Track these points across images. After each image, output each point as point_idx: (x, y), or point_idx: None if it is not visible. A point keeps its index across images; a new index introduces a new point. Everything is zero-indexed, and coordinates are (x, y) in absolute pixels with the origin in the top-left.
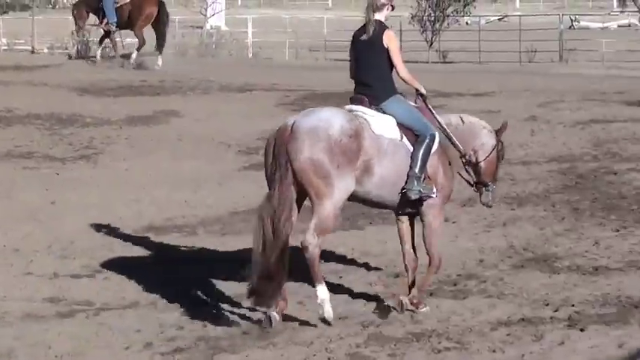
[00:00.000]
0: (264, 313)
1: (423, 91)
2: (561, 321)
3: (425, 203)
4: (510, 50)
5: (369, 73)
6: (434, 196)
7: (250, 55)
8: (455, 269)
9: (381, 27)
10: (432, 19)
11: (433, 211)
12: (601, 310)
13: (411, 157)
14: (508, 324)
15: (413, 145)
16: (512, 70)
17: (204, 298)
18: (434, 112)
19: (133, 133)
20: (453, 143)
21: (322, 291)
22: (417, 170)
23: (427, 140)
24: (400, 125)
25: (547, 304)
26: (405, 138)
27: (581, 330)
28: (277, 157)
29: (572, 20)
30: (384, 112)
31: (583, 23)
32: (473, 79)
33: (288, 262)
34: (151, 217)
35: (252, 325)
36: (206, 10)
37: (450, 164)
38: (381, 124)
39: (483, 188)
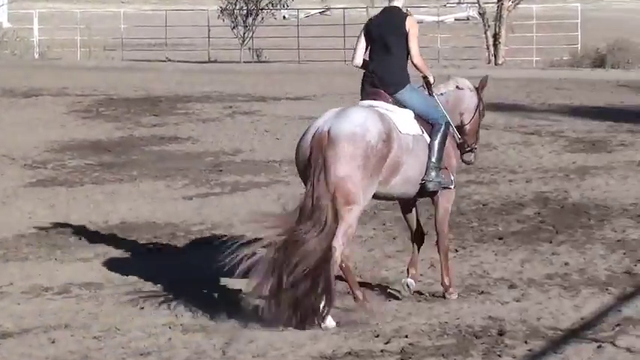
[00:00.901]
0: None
1: (431, 79)
2: (393, 354)
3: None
4: (334, 48)
5: (389, 59)
6: (452, 187)
7: (37, 55)
8: None
9: (403, 13)
10: (245, 12)
11: (447, 193)
12: (438, 341)
13: (429, 148)
14: (333, 358)
15: (430, 135)
16: (336, 70)
17: None
18: (437, 99)
19: None
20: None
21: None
22: (435, 160)
23: (443, 128)
24: (416, 116)
25: (377, 336)
26: (424, 131)
27: None
28: (314, 162)
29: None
30: (398, 101)
31: (416, 17)
32: (291, 80)
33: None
34: None
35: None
36: None
37: (457, 146)
38: (405, 122)
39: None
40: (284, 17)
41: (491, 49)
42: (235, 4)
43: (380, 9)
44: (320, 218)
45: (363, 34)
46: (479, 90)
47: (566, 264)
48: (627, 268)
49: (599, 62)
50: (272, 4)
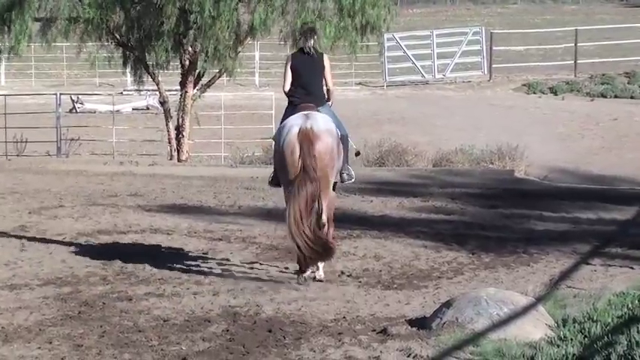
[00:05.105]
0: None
1: (331, 102)
2: None
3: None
4: None
5: (314, 85)
6: (354, 179)
7: None
8: None
9: (319, 52)
10: None
11: (334, 188)
12: None
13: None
14: None
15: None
16: None
17: None
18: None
19: None
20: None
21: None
22: (347, 159)
23: (348, 136)
24: None
25: None
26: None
27: None
28: (306, 151)
29: (74, 101)
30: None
31: (88, 105)
32: None
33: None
34: None
35: None
36: None
37: None
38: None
39: None
40: None
41: (174, 142)
42: None
43: None
44: (315, 191)
45: (289, 67)
46: None
47: None
48: None
49: None
50: None
